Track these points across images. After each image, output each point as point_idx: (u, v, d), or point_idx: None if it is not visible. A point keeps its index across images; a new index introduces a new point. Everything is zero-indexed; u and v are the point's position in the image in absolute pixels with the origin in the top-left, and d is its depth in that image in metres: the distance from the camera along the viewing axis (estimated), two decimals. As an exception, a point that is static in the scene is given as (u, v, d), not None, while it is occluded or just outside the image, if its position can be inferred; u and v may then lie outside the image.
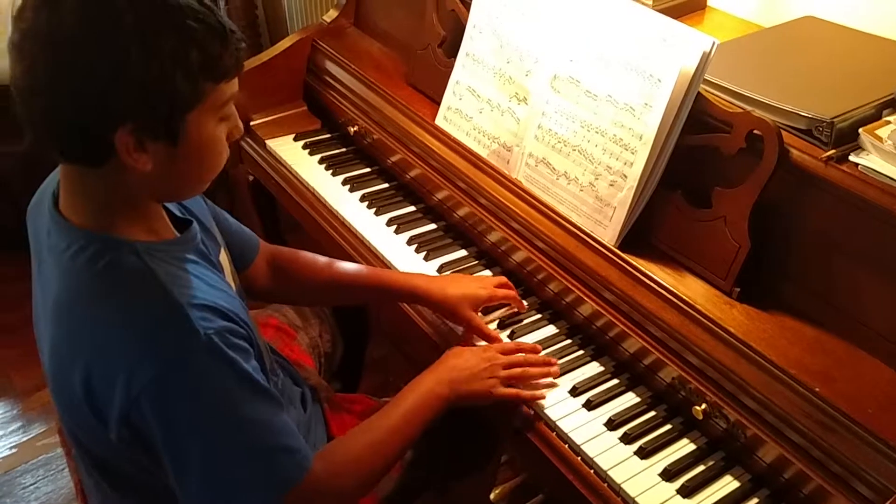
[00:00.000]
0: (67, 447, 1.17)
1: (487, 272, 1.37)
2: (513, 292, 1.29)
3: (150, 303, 0.86)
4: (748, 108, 1.10)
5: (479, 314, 1.26)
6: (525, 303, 1.30)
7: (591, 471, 1.06)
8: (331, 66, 1.74)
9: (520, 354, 1.18)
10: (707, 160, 1.14)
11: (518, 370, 1.15)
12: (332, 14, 1.84)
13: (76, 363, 0.86)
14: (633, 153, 1.17)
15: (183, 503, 0.90)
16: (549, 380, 1.17)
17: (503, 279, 1.30)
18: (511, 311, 1.29)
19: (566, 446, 1.09)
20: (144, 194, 0.89)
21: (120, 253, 0.87)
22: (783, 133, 1.05)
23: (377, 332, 1.72)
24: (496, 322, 1.27)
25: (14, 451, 2.01)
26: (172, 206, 1.00)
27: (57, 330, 0.89)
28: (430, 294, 1.24)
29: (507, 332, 1.25)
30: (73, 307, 0.87)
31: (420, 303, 1.29)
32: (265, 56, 1.78)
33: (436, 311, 1.28)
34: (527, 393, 1.14)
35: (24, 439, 2.04)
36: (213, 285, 0.92)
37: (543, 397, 1.14)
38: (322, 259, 1.30)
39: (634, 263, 1.17)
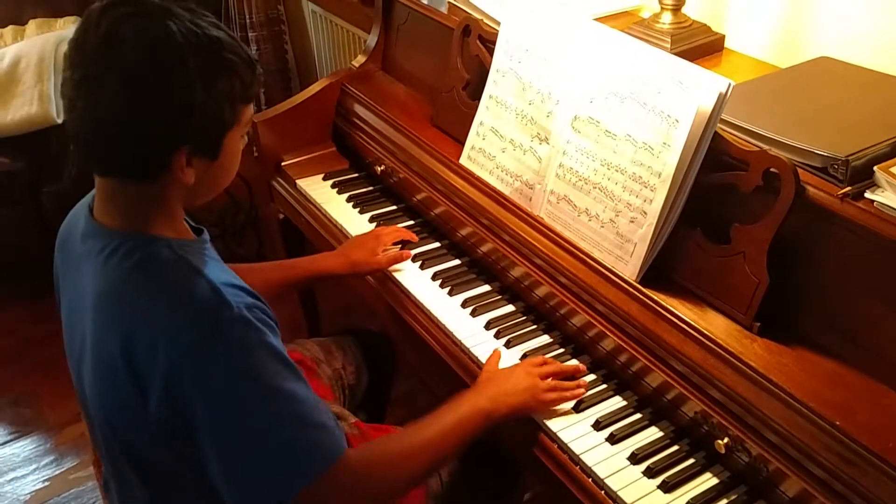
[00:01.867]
0: (99, 475, 1.20)
1: (510, 307, 1.40)
2: (403, 231, 1.55)
3: (186, 282, 0.94)
4: (765, 146, 1.13)
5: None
6: (418, 238, 1.56)
7: (615, 504, 1.07)
8: (359, 109, 1.81)
9: (550, 363, 1.23)
10: (725, 197, 1.17)
11: (553, 376, 1.20)
12: (360, 59, 1.91)
13: (118, 342, 0.92)
14: (652, 191, 1.20)
15: (219, 480, 0.93)
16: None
17: (391, 227, 1.55)
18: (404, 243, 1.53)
19: (590, 480, 1.10)
20: (177, 201, 0.99)
21: (153, 246, 0.95)
22: (799, 171, 1.07)
23: (404, 366, 1.75)
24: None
25: (47, 484, 2.05)
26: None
27: (99, 319, 0.96)
28: (342, 267, 1.45)
29: (531, 365, 1.27)
30: (114, 296, 0.94)
31: (335, 277, 1.47)
32: (296, 100, 1.84)
33: (352, 276, 1.48)
34: (569, 393, 1.19)
35: (57, 472, 2.08)
36: (236, 276, 0.99)
37: (585, 388, 1.20)
38: (255, 265, 1.45)
39: (656, 298, 1.19)
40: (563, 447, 1.14)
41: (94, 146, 0.93)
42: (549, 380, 1.19)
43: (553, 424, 1.17)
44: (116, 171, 0.95)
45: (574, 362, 1.27)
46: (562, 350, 1.31)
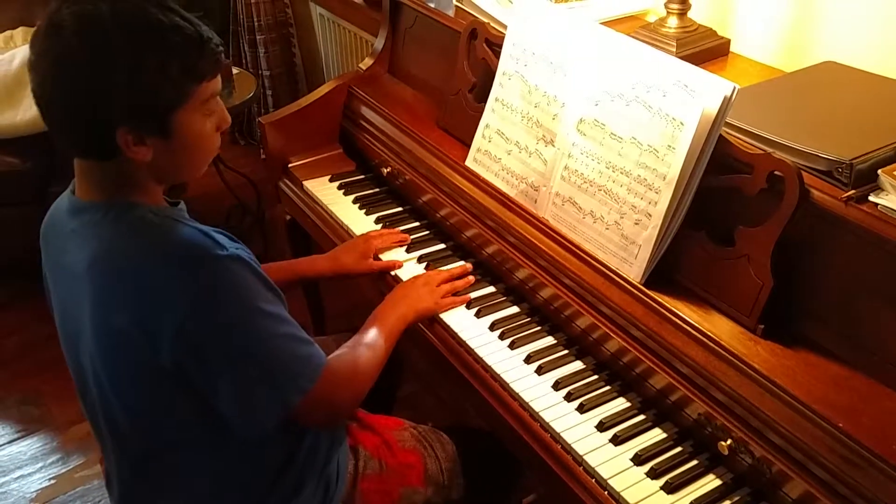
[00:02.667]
0: (105, 471, 1.21)
1: (515, 308, 1.41)
2: (396, 234, 1.56)
3: (177, 233, 0.99)
4: (769, 150, 1.14)
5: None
6: (410, 238, 1.57)
7: (618, 505, 1.07)
8: (366, 111, 1.82)
9: (443, 272, 1.44)
10: (730, 200, 1.17)
11: (449, 285, 1.41)
12: (367, 62, 1.92)
13: (122, 303, 0.97)
14: (657, 193, 1.21)
15: (230, 406, 1.01)
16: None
17: (382, 230, 1.58)
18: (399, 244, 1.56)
19: (593, 480, 1.11)
20: (149, 177, 1.02)
21: (137, 211, 1.00)
22: (803, 174, 1.08)
23: (407, 368, 1.76)
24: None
25: (53, 482, 2.06)
26: None
27: (97, 287, 0.99)
28: (332, 270, 1.48)
29: (535, 366, 1.28)
30: (109, 261, 0.99)
31: (327, 278, 1.51)
32: (303, 102, 1.85)
33: (343, 279, 1.51)
34: (459, 299, 1.41)
35: (63, 471, 2.09)
36: None
37: (469, 298, 1.41)
38: None
39: (660, 300, 1.19)
40: (567, 448, 1.15)
41: (50, 128, 0.98)
42: (445, 286, 1.40)
43: (557, 424, 1.17)
44: (75, 151, 1.00)
45: (579, 364, 1.28)
46: (566, 351, 1.31)
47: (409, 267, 1.53)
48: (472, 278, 1.45)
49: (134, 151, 0.97)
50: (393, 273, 1.51)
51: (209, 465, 1.08)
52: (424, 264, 1.53)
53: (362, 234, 1.56)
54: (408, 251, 1.57)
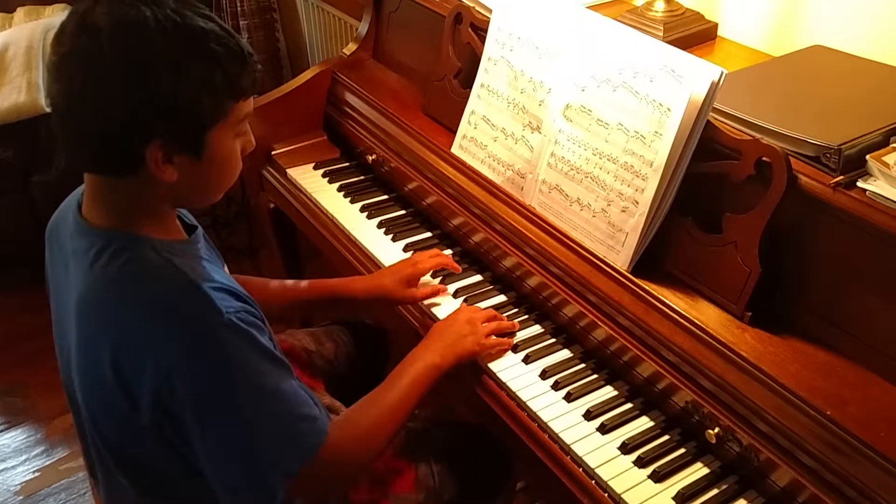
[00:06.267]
0: (90, 467, 1.20)
1: (502, 297, 1.40)
2: (444, 258, 1.39)
3: (173, 288, 0.91)
4: (757, 135, 1.13)
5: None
6: (460, 267, 1.43)
7: (606, 494, 1.07)
8: (350, 97, 1.79)
9: (489, 310, 1.29)
10: (717, 187, 1.16)
11: (494, 324, 1.26)
12: (351, 47, 1.89)
13: (106, 351, 0.91)
14: (644, 180, 1.20)
15: (211, 477, 0.94)
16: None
17: (433, 251, 1.43)
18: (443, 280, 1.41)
19: (580, 470, 1.10)
20: (165, 201, 0.96)
21: (140, 248, 0.93)
22: (791, 160, 1.07)
23: (397, 355, 1.74)
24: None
25: (37, 474, 2.04)
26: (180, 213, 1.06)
27: (84, 324, 0.94)
28: (367, 291, 1.35)
29: (522, 355, 1.27)
30: (99, 300, 0.92)
31: (361, 299, 1.36)
32: (287, 88, 1.83)
33: (382, 304, 1.38)
34: (507, 340, 1.26)
35: (47, 463, 2.07)
36: (225, 276, 0.98)
37: (512, 343, 1.26)
38: (273, 282, 1.38)
39: (647, 288, 1.18)
40: (555, 437, 1.14)
41: (66, 137, 0.90)
42: (487, 325, 1.25)
43: (544, 414, 1.17)
44: (92, 166, 0.92)
45: (567, 353, 1.27)
46: (553, 340, 1.30)
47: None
48: (517, 323, 1.30)
49: (161, 170, 0.89)
50: (428, 302, 1.38)
51: (198, 498, 1.02)
52: (411, 253, 1.51)
53: (408, 258, 1.43)
54: (394, 240, 1.55)
